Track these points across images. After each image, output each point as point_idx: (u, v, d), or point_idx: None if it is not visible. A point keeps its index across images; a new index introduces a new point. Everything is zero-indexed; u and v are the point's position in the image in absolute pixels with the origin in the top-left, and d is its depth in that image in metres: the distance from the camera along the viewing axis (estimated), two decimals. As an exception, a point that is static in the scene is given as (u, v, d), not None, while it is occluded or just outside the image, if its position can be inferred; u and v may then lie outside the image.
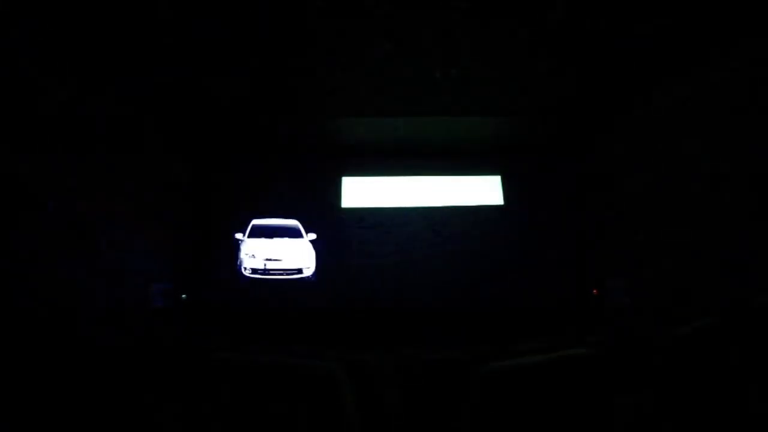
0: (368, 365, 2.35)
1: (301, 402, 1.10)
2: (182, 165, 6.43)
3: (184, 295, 6.02)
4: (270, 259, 6.41)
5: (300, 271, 6.43)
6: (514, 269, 6.42)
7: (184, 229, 6.32)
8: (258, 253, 6.45)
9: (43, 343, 1.00)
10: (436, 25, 3.88)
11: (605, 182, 6.24)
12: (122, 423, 0.99)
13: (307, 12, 3.66)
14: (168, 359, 2.24)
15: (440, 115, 5.63)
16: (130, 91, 4.81)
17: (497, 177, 6.97)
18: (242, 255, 6.47)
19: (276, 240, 6.52)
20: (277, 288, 6.38)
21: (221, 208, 6.72)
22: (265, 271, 6.40)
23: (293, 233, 6.60)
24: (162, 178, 5.94)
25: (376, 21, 3.79)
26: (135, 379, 1.04)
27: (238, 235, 6.55)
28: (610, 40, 4.11)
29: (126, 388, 1.03)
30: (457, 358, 2.98)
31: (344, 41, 4.09)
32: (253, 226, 6.62)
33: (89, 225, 4.55)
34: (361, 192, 6.96)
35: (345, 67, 4.52)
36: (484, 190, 6.93)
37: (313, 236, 6.58)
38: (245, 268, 6.42)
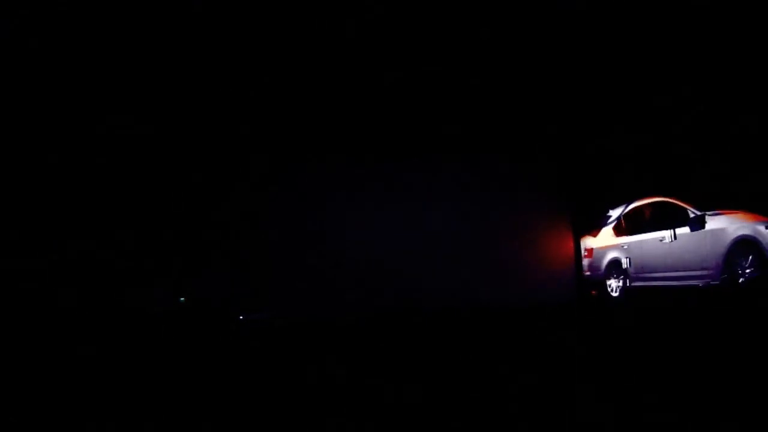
0: (366, 361, 2.35)
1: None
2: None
3: (182, 299, 5.99)
4: None
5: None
6: (513, 269, 6.42)
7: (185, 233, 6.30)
8: None
9: (45, 344, 1.01)
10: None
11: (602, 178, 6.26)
12: (121, 424, 1.00)
13: None
14: (167, 360, 2.24)
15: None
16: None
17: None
18: None
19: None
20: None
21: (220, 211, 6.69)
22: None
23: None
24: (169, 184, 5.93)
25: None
26: (134, 380, 1.05)
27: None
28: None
29: (124, 390, 1.03)
30: (455, 358, 2.99)
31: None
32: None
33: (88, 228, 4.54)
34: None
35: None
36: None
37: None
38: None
